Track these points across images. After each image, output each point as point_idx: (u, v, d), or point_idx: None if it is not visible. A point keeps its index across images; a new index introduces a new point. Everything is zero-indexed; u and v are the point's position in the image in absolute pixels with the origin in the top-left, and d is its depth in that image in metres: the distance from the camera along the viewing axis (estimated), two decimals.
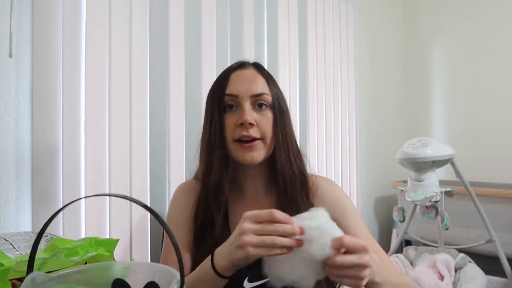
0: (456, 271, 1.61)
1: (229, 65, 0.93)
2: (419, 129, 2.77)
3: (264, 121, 0.83)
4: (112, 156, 1.21)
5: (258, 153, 0.83)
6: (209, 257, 0.69)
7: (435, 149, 1.68)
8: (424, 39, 2.81)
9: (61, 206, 0.52)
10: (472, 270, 1.60)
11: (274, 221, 0.60)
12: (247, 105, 0.82)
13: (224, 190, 0.84)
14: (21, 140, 1.05)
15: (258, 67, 0.90)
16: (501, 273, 1.79)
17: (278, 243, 0.59)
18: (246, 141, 0.82)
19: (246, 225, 0.61)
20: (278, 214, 0.60)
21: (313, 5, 2.05)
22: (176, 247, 0.47)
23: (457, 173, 1.79)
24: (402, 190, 1.80)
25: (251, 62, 0.92)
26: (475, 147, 2.47)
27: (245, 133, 0.81)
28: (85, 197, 0.52)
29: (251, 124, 0.81)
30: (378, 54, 2.64)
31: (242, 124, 0.81)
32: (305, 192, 0.87)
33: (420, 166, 1.69)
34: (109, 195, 0.51)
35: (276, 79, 0.93)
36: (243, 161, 0.83)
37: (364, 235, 0.86)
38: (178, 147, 1.40)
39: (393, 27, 2.82)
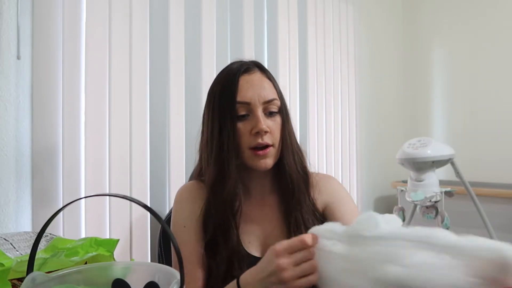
0: None
1: None
2: (419, 129, 2.77)
3: (275, 127, 0.85)
4: (112, 156, 1.21)
5: (271, 159, 0.85)
6: (235, 283, 0.68)
7: (435, 149, 1.68)
8: (424, 39, 2.81)
9: (61, 206, 0.52)
10: None
11: (306, 247, 0.59)
12: (260, 112, 0.83)
13: (239, 198, 0.85)
14: (21, 140, 1.05)
15: (261, 68, 0.90)
16: None
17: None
18: (260, 148, 0.83)
19: (282, 261, 0.59)
20: (309, 239, 0.59)
21: (313, 5, 2.05)
22: (176, 248, 0.47)
23: (457, 173, 1.79)
24: (402, 190, 1.80)
25: (250, 61, 0.91)
26: (475, 147, 2.46)
27: (260, 141, 0.82)
28: (85, 197, 0.52)
29: (266, 132, 0.82)
30: (378, 54, 2.64)
31: (257, 133, 0.82)
32: (307, 191, 0.89)
33: (420, 166, 1.69)
34: (109, 195, 0.51)
35: (276, 79, 0.93)
36: (258, 167, 0.84)
37: None
38: (178, 147, 1.40)
39: (393, 27, 2.82)
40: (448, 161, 1.73)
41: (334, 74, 2.18)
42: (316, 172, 0.96)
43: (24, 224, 1.06)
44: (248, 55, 1.58)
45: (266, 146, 0.83)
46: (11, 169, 1.03)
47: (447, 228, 1.70)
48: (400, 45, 2.87)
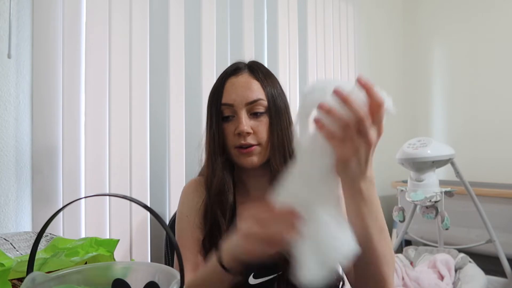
0: (456, 271, 1.61)
1: (229, 65, 0.94)
2: (419, 129, 2.77)
3: (260, 127, 0.86)
4: (112, 156, 1.21)
5: (257, 157, 0.86)
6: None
7: (435, 149, 1.68)
8: (424, 39, 2.81)
9: (61, 206, 0.52)
10: (472, 270, 1.60)
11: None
12: (243, 113, 0.85)
13: (226, 195, 0.87)
14: (21, 140, 1.05)
15: (253, 69, 0.91)
16: (501, 273, 1.79)
17: None
18: (244, 147, 0.86)
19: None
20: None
21: (313, 5, 2.05)
22: (176, 246, 0.47)
23: (457, 173, 1.79)
24: (402, 190, 1.80)
25: (247, 62, 0.93)
26: (475, 147, 2.47)
27: (243, 142, 0.85)
28: (85, 197, 0.52)
29: (248, 133, 0.84)
30: (378, 54, 2.64)
31: (240, 133, 0.85)
32: None
33: (420, 166, 1.69)
34: (109, 195, 0.51)
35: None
36: (244, 165, 0.87)
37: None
38: (178, 147, 1.40)
39: (393, 27, 2.82)
40: (448, 161, 1.74)
41: (334, 74, 2.18)
42: None
43: (24, 224, 1.06)
44: (248, 55, 1.58)
45: (251, 145, 0.85)
46: (11, 169, 1.03)
47: (447, 229, 1.70)
48: (400, 45, 2.87)
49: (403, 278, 1.58)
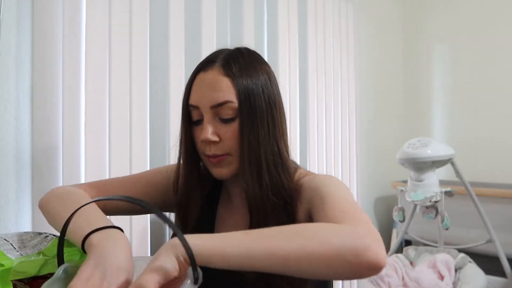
0: (456, 271, 1.61)
1: None
2: (419, 129, 2.77)
3: (228, 135, 0.74)
4: (112, 156, 1.21)
5: (227, 168, 0.76)
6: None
7: (435, 149, 1.68)
8: (424, 39, 2.81)
9: None
10: (472, 270, 1.60)
11: None
12: (208, 118, 0.74)
13: (191, 210, 0.81)
14: (21, 140, 1.05)
15: (227, 62, 0.76)
16: (501, 273, 1.79)
17: None
18: (213, 156, 0.75)
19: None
20: None
21: (313, 4, 2.05)
22: (186, 246, 0.47)
23: (457, 173, 1.79)
24: (402, 190, 1.80)
25: (228, 51, 0.80)
26: (475, 147, 2.46)
27: (207, 152, 0.75)
28: (92, 202, 0.52)
29: (214, 141, 0.74)
30: (378, 53, 2.64)
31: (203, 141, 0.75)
32: (280, 216, 0.74)
33: (420, 166, 1.69)
34: (115, 199, 0.51)
35: (276, 79, 0.85)
36: (214, 175, 0.78)
37: (339, 212, 0.63)
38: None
39: (393, 27, 2.82)
40: (448, 161, 1.74)
41: (334, 73, 2.18)
42: (304, 177, 0.79)
43: (24, 224, 1.05)
44: None
45: (218, 155, 0.75)
46: (11, 169, 1.03)
47: (447, 229, 1.70)
48: (400, 45, 2.87)
49: (403, 278, 1.58)
